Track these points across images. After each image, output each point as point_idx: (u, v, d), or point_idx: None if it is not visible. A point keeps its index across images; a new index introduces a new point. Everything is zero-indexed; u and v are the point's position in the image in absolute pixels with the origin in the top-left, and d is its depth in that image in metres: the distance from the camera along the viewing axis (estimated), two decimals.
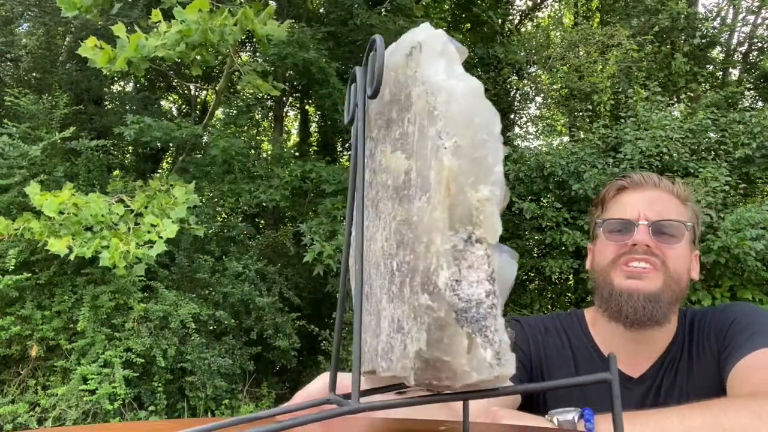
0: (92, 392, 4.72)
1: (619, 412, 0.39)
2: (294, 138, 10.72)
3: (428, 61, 0.37)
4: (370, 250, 0.42)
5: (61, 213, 4.12)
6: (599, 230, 1.26)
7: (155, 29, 4.05)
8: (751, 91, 8.91)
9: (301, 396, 0.71)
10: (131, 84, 8.86)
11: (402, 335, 0.36)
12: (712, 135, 6.07)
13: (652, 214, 1.19)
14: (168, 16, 4.52)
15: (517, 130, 10.32)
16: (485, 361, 0.34)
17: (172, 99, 10.27)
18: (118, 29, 3.88)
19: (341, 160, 9.30)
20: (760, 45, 8.97)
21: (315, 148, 9.74)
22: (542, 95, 9.14)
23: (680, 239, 1.19)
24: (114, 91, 8.72)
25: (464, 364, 0.33)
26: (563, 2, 9.81)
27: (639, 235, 1.17)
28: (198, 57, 4.19)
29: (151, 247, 4.27)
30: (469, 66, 8.64)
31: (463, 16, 9.37)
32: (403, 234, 0.37)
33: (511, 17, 10.43)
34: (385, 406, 0.38)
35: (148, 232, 4.35)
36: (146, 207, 4.64)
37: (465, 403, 0.43)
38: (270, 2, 7.59)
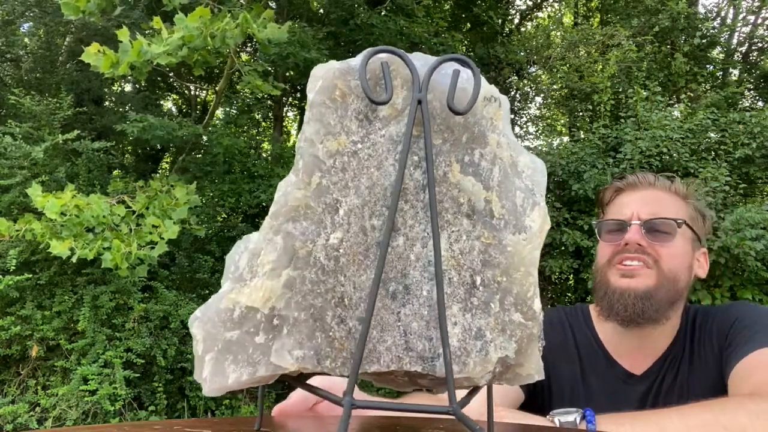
0: (93, 392, 4.73)
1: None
2: (294, 138, 10.72)
3: (505, 119, 0.48)
4: (412, 251, 0.44)
5: (62, 214, 4.12)
6: (597, 232, 1.29)
7: (157, 34, 4.05)
8: (752, 92, 8.91)
9: (279, 409, 0.70)
10: (131, 84, 8.86)
11: (483, 343, 0.44)
12: (712, 135, 6.07)
13: (645, 214, 1.21)
14: (168, 17, 4.53)
15: (517, 130, 10.32)
16: (540, 364, 0.47)
17: (172, 99, 10.27)
18: (122, 34, 3.88)
19: None
20: (760, 45, 8.97)
21: None
22: (542, 95, 9.15)
23: (673, 236, 1.19)
24: (114, 91, 8.72)
25: (533, 368, 0.46)
26: (564, 2, 9.82)
27: (630, 234, 1.19)
28: (199, 58, 4.19)
29: (153, 248, 4.27)
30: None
31: (463, 16, 9.37)
32: (492, 256, 0.45)
33: (511, 17, 10.43)
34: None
35: (150, 233, 4.35)
36: (147, 208, 4.64)
37: (490, 388, 0.49)
38: (270, 3, 7.60)
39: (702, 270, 1.29)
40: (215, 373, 0.42)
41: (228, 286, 0.43)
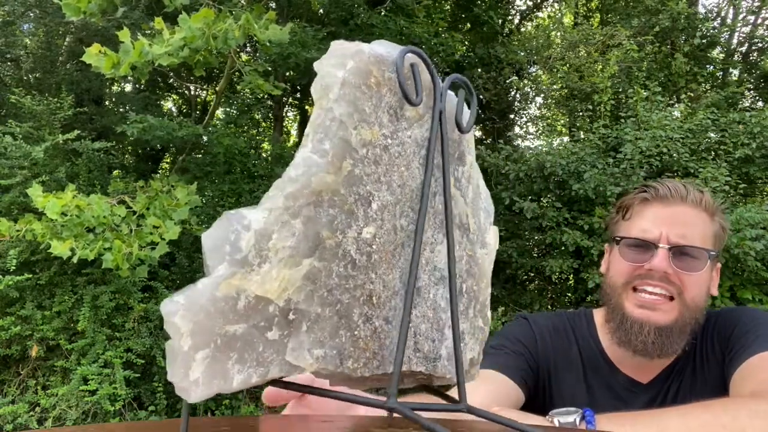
0: (93, 392, 4.73)
1: None
2: (294, 138, 10.72)
3: (472, 144, 0.52)
4: (423, 255, 0.45)
5: (63, 215, 4.12)
6: (617, 244, 1.20)
7: (158, 34, 4.06)
8: (752, 92, 8.91)
9: (271, 393, 0.69)
10: (131, 84, 8.86)
11: (464, 345, 0.47)
12: (712, 135, 6.07)
13: (674, 236, 1.12)
14: (169, 18, 4.53)
15: (517, 130, 10.32)
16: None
17: (172, 99, 10.27)
18: (124, 35, 3.89)
19: None
20: (760, 45, 8.97)
21: None
22: (542, 95, 9.15)
23: (703, 264, 1.12)
24: (114, 91, 8.72)
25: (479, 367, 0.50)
26: (564, 2, 9.82)
27: (657, 260, 1.10)
28: (200, 59, 4.20)
29: (154, 248, 4.27)
30: (469, 66, 8.66)
31: (463, 16, 9.37)
32: (471, 266, 0.48)
33: (511, 17, 10.43)
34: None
35: (150, 233, 4.36)
36: (148, 208, 4.64)
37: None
38: (270, 3, 7.60)
39: (714, 288, 1.21)
40: (212, 375, 0.36)
41: (225, 270, 0.37)
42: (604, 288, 1.23)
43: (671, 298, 1.12)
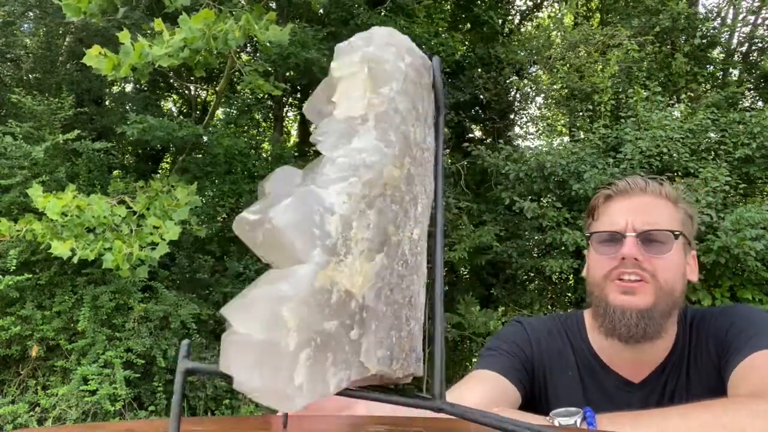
0: (93, 392, 4.73)
1: None
2: (294, 138, 10.72)
3: None
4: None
5: (63, 215, 4.12)
6: (590, 241, 1.26)
7: (158, 35, 4.06)
8: (752, 92, 8.91)
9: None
10: (131, 84, 8.86)
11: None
12: (712, 135, 6.07)
13: (639, 223, 1.18)
14: (169, 18, 4.53)
15: (517, 130, 10.33)
16: None
17: (172, 99, 10.27)
18: (124, 36, 3.89)
19: None
20: (760, 45, 8.97)
21: (315, 148, 9.72)
22: (543, 95, 9.15)
23: (670, 247, 1.17)
24: (114, 91, 8.72)
25: None
26: (564, 2, 9.82)
27: (627, 247, 1.16)
28: (201, 59, 4.20)
29: (154, 248, 4.27)
30: (469, 66, 8.66)
31: (463, 16, 9.37)
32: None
33: (511, 17, 10.44)
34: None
35: (151, 233, 4.36)
36: (148, 208, 4.65)
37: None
38: (270, 3, 7.60)
39: (693, 274, 1.25)
40: (314, 379, 0.31)
41: (320, 258, 0.32)
42: (587, 288, 1.27)
43: (646, 282, 1.16)
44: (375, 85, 0.38)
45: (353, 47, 0.40)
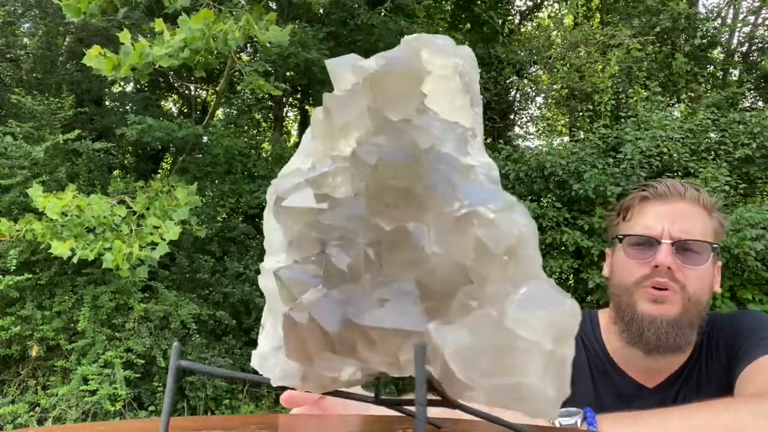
0: (93, 393, 4.73)
1: None
2: (294, 138, 10.72)
3: None
4: None
5: (63, 215, 4.12)
6: (620, 243, 1.20)
7: (158, 35, 4.06)
8: (752, 92, 8.91)
9: (289, 396, 0.70)
10: (131, 84, 8.86)
11: None
12: (712, 135, 6.07)
13: (676, 231, 1.13)
14: (169, 18, 4.53)
15: (517, 130, 10.32)
16: None
17: (172, 99, 10.27)
18: (124, 36, 3.89)
19: None
20: (760, 45, 8.97)
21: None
22: (543, 95, 9.15)
23: (706, 258, 1.14)
24: (114, 91, 8.72)
25: None
26: (564, 2, 9.82)
27: (661, 255, 1.12)
28: (201, 60, 4.20)
29: (154, 248, 4.27)
30: None
31: (464, 16, 9.37)
32: None
33: (511, 17, 10.44)
34: None
35: (151, 233, 4.35)
36: (148, 208, 4.64)
37: None
38: (270, 3, 7.59)
39: (717, 284, 1.22)
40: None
41: None
42: (612, 290, 1.23)
43: (676, 293, 1.13)
44: (471, 103, 0.39)
45: (444, 50, 0.39)
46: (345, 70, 0.41)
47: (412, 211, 0.34)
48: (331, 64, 0.42)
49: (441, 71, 0.38)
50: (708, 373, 1.18)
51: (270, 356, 0.40)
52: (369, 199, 0.35)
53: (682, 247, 1.13)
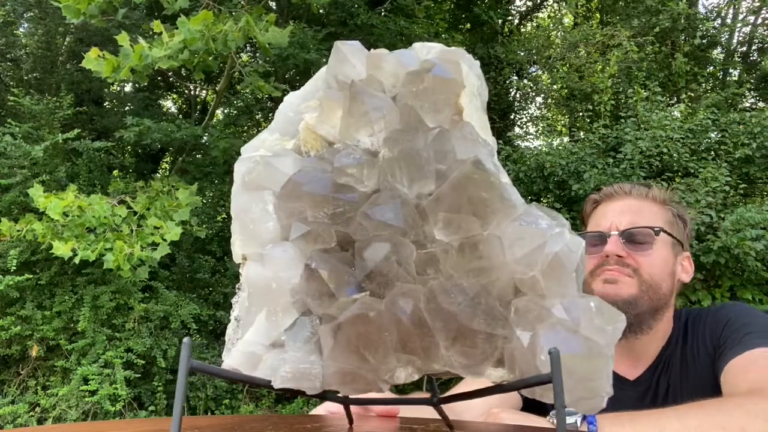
0: (93, 393, 4.73)
1: None
2: None
3: None
4: None
5: (65, 215, 4.12)
6: None
7: (158, 37, 4.05)
8: (752, 92, 8.91)
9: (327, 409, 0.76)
10: (131, 84, 8.86)
11: None
12: (712, 135, 6.07)
13: (623, 224, 1.22)
14: (169, 19, 4.52)
15: (517, 130, 10.32)
16: None
17: (172, 99, 10.27)
18: (122, 38, 3.88)
19: None
20: (760, 45, 8.97)
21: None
22: (542, 95, 9.15)
23: (652, 244, 1.20)
24: (114, 91, 8.72)
25: None
26: (564, 2, 9.82)
27: (610, 245, 1.20)
28: (200, 61, 4.19)
29: (155, 249, 4.27)
30: None
31: (464, 16, 9.36)
32: None
33: (511, 17, 10.43)
34: None
35: (152, 234, 4.35)
36: (149, 209, 4.64)
37: None
38: (270, 3, 7.59)
39: (686, 275, 1.28)
40: None
41: None
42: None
43: (630, 276, 1.19)
44: (486, 123, 0.40)
45: (475, 68, 0.40)
46: (353, 55, 0.41)
47: (485, 220, 0.34)
48: (340, 44, 0.42)
49: (471, 88, 0.39)
50: (694, 365, 1.20)
51: (266, 355, 0.38)
52: (436, 201, 0.34)
53: (630, 237, 1.21)
